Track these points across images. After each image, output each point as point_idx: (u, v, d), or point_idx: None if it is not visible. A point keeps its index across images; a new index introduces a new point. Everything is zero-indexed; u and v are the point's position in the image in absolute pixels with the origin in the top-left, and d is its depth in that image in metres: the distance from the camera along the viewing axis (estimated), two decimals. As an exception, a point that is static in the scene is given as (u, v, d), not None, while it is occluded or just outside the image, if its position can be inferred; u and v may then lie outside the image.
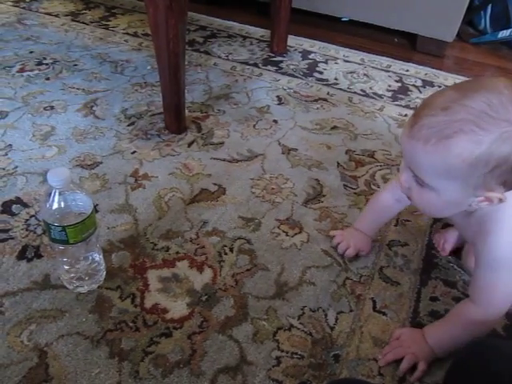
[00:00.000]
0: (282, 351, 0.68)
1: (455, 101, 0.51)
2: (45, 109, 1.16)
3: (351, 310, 0.74)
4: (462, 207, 0.60)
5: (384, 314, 0.74)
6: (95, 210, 0.82)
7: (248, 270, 0.79)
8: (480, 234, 0.62)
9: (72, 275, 0.73)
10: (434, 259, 0.84)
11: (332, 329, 0.71)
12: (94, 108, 1.18)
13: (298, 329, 0.71)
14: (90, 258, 0.73)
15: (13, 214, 0.86)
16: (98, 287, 0.74)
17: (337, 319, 0.73)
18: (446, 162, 0.52)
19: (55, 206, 0.65)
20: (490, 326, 0.67)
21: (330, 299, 0.76)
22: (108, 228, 0.85)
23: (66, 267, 0.72)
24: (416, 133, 0.54)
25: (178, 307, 0.73)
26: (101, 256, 0.75)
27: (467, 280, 0.79)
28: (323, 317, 0.73)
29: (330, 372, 0.66)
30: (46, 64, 1.37)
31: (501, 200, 0.55)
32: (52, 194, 0.65)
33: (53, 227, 0.65)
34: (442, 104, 0.52)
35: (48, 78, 1.30)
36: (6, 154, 1.01)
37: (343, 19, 1.80)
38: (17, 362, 0.64)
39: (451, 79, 1.48)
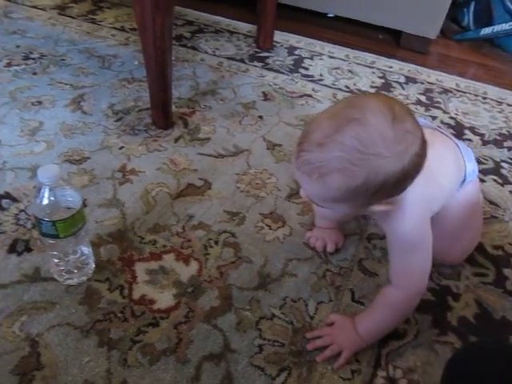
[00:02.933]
0: (264, 339, 0.71)
1: (329, 136, 0.53)
2: (32, 104, 1.17)
3: (331, 300, 0.78)
4: (359, 214, 0.63)
5: (362, 303, 0.78)
6: (84, 204, 0.84)
7: (232, 262, 0.83)
8: (386, 221, 0.66)
9: (62, 268, 0.75)
10: (411, 251, 0.88)
11: (312, 318, 0.75)
12: (81, 103, 1.20)
13: (280, 318, 0.74)
14: (79, 251, 0.76)
15: (3, 209, 0.88)
16: (88, 279, 0.77)
17: (316, 309, 0.76)
18: (329, 194, 0.56)
19: (45, 201, 0.67)
20: (414, 306, 0.70)
21: (310, 290, 0.79)
22: (96, 222, 0.87)
23: (56, 260, 0.75)
24: (300, 166, 0.56)
25: (164, 298, 0.76)
26: (90, 249, 0.78)
27: (442, 271, 0.84)
28: (304, 307, 0.77)
29: (309, 358, 0.69)
30: (33, 58, 1.37)
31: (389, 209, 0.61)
32: (42, 190, 0.67)
33: (43, 222, 0.68)
34: (317, 139, 0.54)
35: (35, 73, 1.30)
36: (-5, 150, 1.02)
37: (329, 15, 1.82)
38: (9, 351, 0.66)
39: (434, 76, 1.52)
